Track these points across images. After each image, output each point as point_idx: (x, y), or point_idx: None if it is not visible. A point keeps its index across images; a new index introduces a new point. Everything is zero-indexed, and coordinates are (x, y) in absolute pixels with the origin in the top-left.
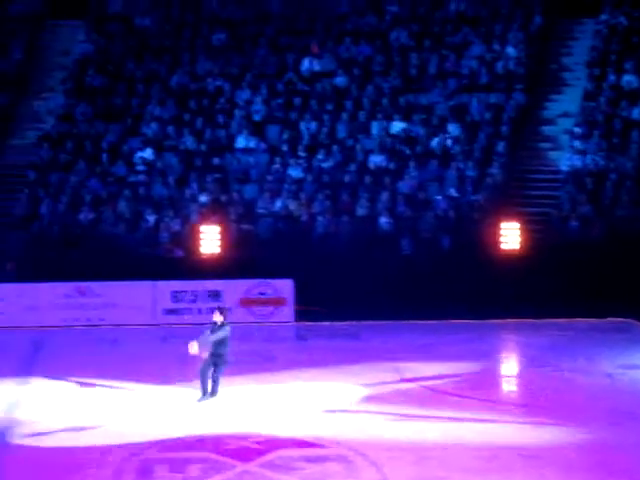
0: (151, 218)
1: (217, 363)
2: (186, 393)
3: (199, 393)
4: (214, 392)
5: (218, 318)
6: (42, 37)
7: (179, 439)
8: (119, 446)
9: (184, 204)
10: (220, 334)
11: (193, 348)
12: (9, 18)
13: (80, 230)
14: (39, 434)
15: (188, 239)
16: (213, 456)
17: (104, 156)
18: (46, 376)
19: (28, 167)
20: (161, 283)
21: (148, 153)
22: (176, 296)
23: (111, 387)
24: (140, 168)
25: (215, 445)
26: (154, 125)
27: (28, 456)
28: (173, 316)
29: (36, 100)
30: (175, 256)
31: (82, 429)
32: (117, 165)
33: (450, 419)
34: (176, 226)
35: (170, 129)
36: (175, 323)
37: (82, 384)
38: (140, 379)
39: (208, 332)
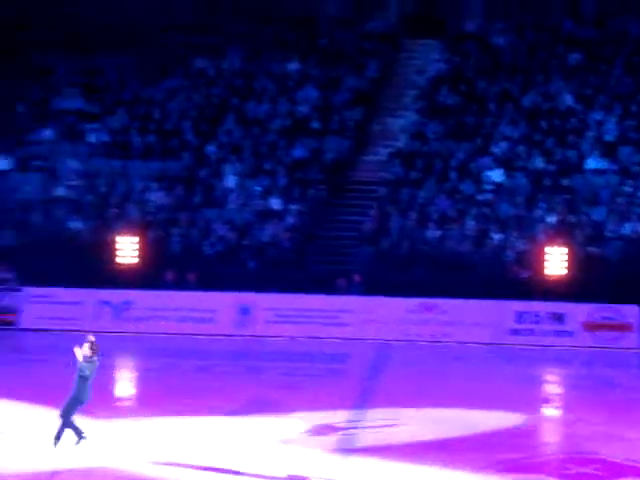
0: (497, 237)
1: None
2: (520, 418)
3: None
4: (58, 434)
5: (87, 351)
6: (398, 55)
7: (513, 462)
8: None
9: (531, 224)
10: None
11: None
12: (367, 36)
13: (427, 247)
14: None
15: (533, 259)
16: None
17: (453, 174)
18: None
19: (378, 183)
20: (506, 302)
21: (497, 174)
22: (520, 316)
23: (446, 406)
24: (488, 187)
25: (555, 468)
26: (504, 144)
27: None
28: (517, 336)
29: (390, 117)
30: (520, 276)
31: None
32: (465, 183)
33: None
34: (522, 246)
35: (520, 149)
36: (519, 344)
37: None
38: (475, 402)
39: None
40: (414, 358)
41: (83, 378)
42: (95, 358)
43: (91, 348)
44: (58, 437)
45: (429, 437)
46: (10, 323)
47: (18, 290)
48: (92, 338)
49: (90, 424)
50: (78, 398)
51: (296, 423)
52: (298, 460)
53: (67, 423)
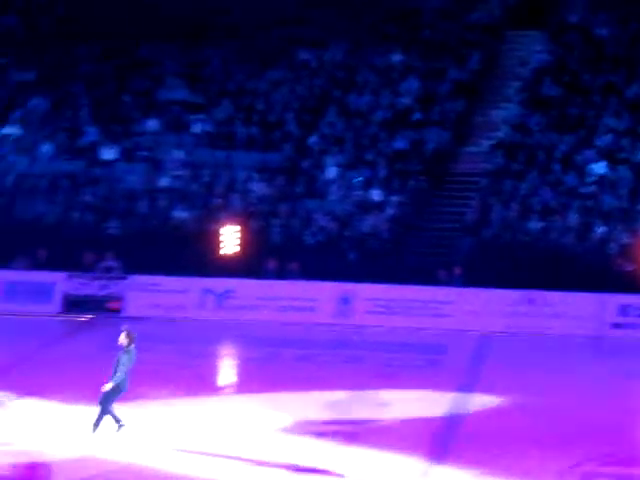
0: (600, 230)
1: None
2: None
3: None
4: (97, 421)
5: (124, 340)
6: (500, 47)
7: (613, 456)
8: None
9: (635, 217)
10: (124, 361)
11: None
12: (469, 27)
13: (529, 238)
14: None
15: (637, 252)
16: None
17: (556, 166)
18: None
19: (480, 174)
20: (608, 296)
21: (601, 166)
22: (624, 310)
23: (546, 398)
24: (591, 179)
25: None
26: (608, 137)
27: None
28: (620, 330)
29: (492, 109)
30: (624, 269)
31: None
32: (569, 175)
33: None
34: (625, 239)
35: (624, 141)
36: (622, 337)
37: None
38: (574, 395)
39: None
40: (515, 350)
41: (122, 367)
42: (132, 347)
43: (127, 337)
44: (97, 424)
45: (527, 429)
46: (115, 310)
47: (123, 278)
48: (126, 327)
49: (189, 407)
50: (118, 386)
51: (394, 413)
52: (389, 456)
53: (106, 411)
